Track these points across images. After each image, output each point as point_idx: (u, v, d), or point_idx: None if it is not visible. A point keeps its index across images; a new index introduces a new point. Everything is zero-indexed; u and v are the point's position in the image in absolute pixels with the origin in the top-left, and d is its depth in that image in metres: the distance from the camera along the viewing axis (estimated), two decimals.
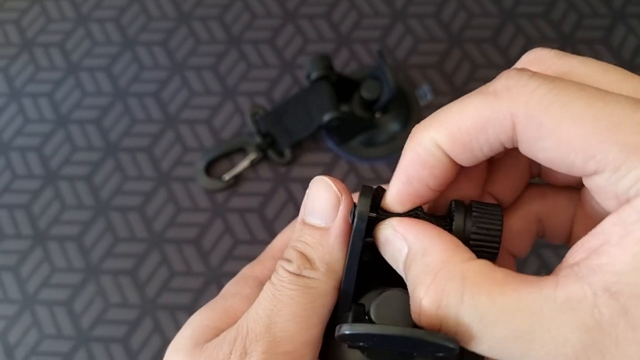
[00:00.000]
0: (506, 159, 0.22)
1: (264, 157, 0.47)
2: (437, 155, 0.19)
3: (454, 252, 0.17)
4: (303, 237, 0.21)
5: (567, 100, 0.16)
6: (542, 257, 0.44)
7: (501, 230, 0.19)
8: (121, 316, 0.44)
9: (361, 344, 0.19)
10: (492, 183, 0.22)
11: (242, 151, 0.48)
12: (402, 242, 0.18)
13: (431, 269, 0.17)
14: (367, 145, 0.47)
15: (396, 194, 0.20)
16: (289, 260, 0.20)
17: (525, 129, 0.17)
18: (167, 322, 0.44)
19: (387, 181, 0.21)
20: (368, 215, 0.20)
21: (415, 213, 0.20)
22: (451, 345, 0.17)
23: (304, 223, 0.21)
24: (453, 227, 0.19)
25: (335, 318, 0.21)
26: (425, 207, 0.21)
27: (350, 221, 0.20)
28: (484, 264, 0.17)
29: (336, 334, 0.18)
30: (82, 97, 0.50)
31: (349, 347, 0.20)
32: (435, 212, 0.22)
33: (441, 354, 0.18)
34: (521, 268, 0.44)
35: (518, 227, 0.22)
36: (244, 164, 0.47)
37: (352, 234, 0.20)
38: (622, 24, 0.50)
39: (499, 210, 0.19)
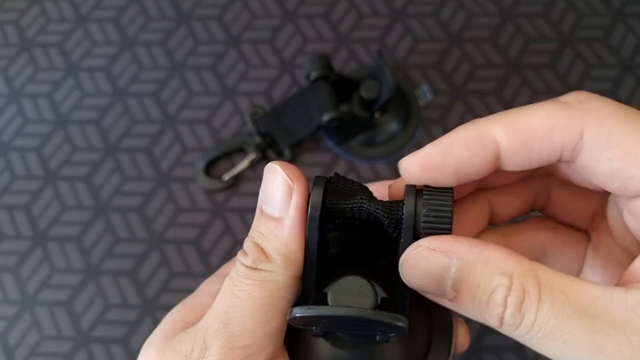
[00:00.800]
0: (516, 185, 0.23)
1: (263, 157, 0.47)
2: (488, 146, 0.19)
3: (516, 255, 0.18)
4: (260, 227, 0.21)
5: (634, 118, 0.18)
6: None
7: (452, 212, 0.19)
8: (121, 317, 0.44)
9: (314, 328, 0.19)
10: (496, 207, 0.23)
11: (241, 151, 0.48)
12: (447, 259, 0.18)
13: (505, 271, 0.17)
14: (367, 145, 0.47)
15: (424, 159, 0.20)
16: (245, 254, 0.20)
17: (594, 138, 0.18)
18: None
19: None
20: (321, 205, 0.20)
21: (360, 200, 0.20)
22: (400, 324, 0.17)
23: (262, 212, 0.21)
24: (404, 210, 0.19)
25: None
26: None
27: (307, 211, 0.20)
28: (547, 266, 0.17)
29: (287, 317, 0.18)
30: (82, 97, 0.50)
31: (313, 335, 0.20)
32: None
33: (391, 334, 0.19)
34: None
35: (521, 250, 0.23)
36: (243, 164, 0.47)
37: (307, 223, 0.20)
38: (622, 23, 0.50)
39: (450, 192, 0.20)
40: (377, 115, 0.46)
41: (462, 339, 0.24)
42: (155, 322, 0.43)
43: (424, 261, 0.18)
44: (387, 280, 0.21)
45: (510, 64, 0.49)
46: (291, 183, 0.20)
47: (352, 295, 0.19)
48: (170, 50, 0.51)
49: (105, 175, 0.48)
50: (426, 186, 0.20)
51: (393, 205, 0.20)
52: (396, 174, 0.48)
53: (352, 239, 0.23)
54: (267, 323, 0.19)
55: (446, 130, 0.47)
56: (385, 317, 0.17)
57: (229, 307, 0.20)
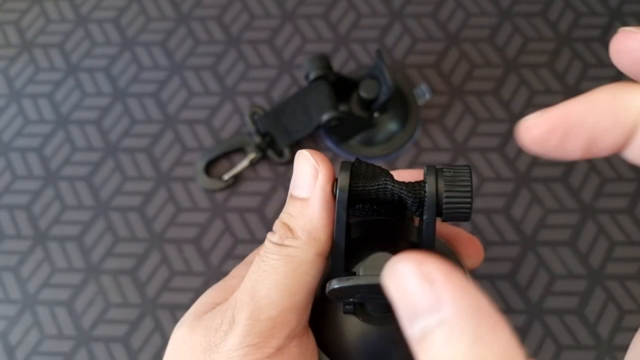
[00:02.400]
0: None
1: (263, 157, 0.47)
2: (633, 117, 0.16)
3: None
4: (288, 209, 0.22)
5: None
6: (540, 255, 0.44)
7: (471, 189, 0.20)
8: (122, 316, 0.44)
9: (351, 299, 0.20)
10: None
11: (241, 151, 0.48)
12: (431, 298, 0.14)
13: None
14: (366, 144, 0.47)
15: (557, 117, 0.16)
16: (273, 233, 0.22)
17: None
18: (168, 321, 0.44)
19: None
20: (348, 188, 0.21)
21: (384, 182, 0.21)
22: None
23: (290, 196, 0.22)
24: (426, 188, 0.20)
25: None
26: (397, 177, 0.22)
27: (334, 195, 0.21)
28: None
29: (327, 290, 0.19)
30: (82, 97, 0.51)
31: (344, 312, 0.21)
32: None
33: None
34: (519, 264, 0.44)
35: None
36: (243, 163, 0.47)
37: (336, 205, 0.21)
38: (619, 22, 0.50)
39: (468, 169, 0.21)
40: (376, 114, 0.46)
41: (477, 256, 0.25)
42: (156, 321, 0.44)
43: (406, 285, 0.15)
44: None
45: (508, 63, 0.50)
46: (317, 165, 0.21)
47: (382, 269, 0.20)
48: (170, 50, 0.52)
49: (106, 175, 0.48)
50: (446, 165, 0.21)
51: (415, 185, 0.21)
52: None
53: (371, 225, 0.24)
54: (290, 297, 0.20)
55: (445, 129, 0.48)
56: None
57: (256, 280, 0.21)
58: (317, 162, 0.21)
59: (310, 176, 0.21)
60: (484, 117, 0.48)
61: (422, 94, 0.47)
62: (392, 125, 0.47)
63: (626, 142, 0.16)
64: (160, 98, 0.50)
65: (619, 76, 0.48)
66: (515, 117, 0.48)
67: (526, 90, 0.49)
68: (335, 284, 0.19)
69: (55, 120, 0.50)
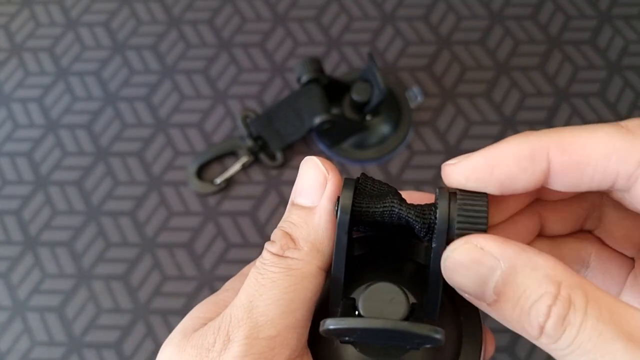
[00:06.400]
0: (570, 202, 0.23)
1: (255, 160, 0.47)
2: (538, 164, 0.19)
3: (566, 266, 0.17)
4: (290, 217, 0.20)
5: None
6: None
7: (487, 216, 0.19)
8: (113, 321, 0.44)
9: (347, 338, 0.19)
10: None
11: (233, 154, 0.48)
12: (494, 260, 0.17)
13: (553, 279, 0.16)
14: (358, 147, 0.47)
15: (470, 168, 0.19)
16: (273, 242, 0.20)
17: None
18: (160, 327, 0.43)
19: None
20: (351, 208, 0.19)
21: (391, 203, 0.20)
22: (437, 337, 0.17)
23: (293, 204, 0.21)
24: (438, 214, 0.19)
25: (326, 313, 0.20)
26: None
27: (335, 214, 0.19)
28: (592, 282, 0.17)
29: (320, 329, 0.18)
30: (72, 101, 0.50)
31: (341, 342, 0.20)
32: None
33: (428, 345, 0.18)
34: None
35: (566, 258, 0.22)
36: (235, 167, 0.47)
37: (336, 227, 0.19)
38: (609, 25, 0.51)
39: (485, 196, 0.19)
40: (368, 117, 0.46)
41: (489, 347, 0.23)
42: (148, 327, 0.43)
43: (470, 259, 0.18)
44: (415, 284, 0.20)
45: (499, 66, 0.50)
46: (326, 173, 0.20)
47: (384, 303, 0.18)
48: (161, 54, 0.51)
49: (97, 180, 0.47)
50: (460, 189, 0.20)
51: (425, 209, 0.20)
52: (387, 176, 0.48)
53: (376, 241, 0.22)
54: (291, 314, 0.19)
55: (437, 132, 0.48)
56: (423, 329, 0.17)
57: (253, 295, 0.19)
58: (327, 170, 0.20)
59: (318, 184, 0.20)
60: (476, 119, 0.48)
61: (414, 96, 0.47)
62: (384, 128, 0.47)
63: (541, 184, 0.19)
64: (152, 102, 0.50)
65: (608, 78, 0.49)
66: (507, 119, 0.48)
67: (517, 92, 0.49)
68: (330, 325, 0.17)
69: (45, 125, 0.49)
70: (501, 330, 0.42)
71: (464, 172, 0.19)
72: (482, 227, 0.19)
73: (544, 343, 0.16)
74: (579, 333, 0.16)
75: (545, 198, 0.23)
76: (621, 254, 0.23)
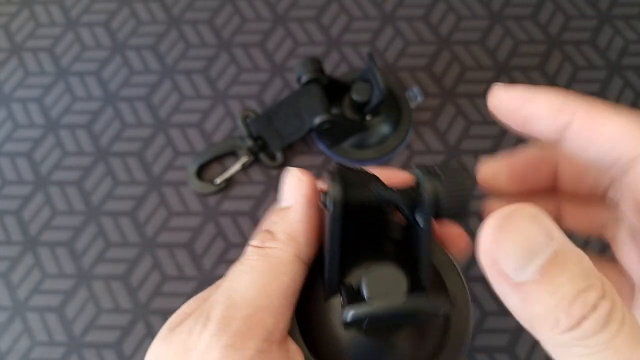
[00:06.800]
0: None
1: (255, 160, 0.47)
2: (564, 114, 0.21)
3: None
4: (271, 218, 0.23)
5: None
6: None
7: (471, 191, 0.20)
8: (113, 321, 0.44)
9: (365, 325, 0.19)
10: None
11: (233, 154, 0.48)
12: (548, 236, 0.16)
13: (596, 274, 0.16)
14: (358, 147, 0.47)
15: (509, 96, 0.23)
16: (255, 239, 0.22)
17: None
18: (160, 327, 0.43)
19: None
20: (341, 199, 0.20)
21: (376, 188, 0.21)
22: (449, 309, 0.18)
23: (274, 209, 0.23)
24: (424, 191, 0.20)
25: (315, 303, 0.21)
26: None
27: (323, 206, 0.21)
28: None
29: (343, 321, 0.18)
30: (72, 101, 0.50)
31: (346, 327, 0.20)
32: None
33: (436, 318, 0.20)
34: None
35: None
36: (235, 167, 0.47)
37: (328, 218, 0.20)
38: (609, 25, 0.51)
39: (460, 169, 0.21)
40: (368, 117, 0.46)
41: (462, 248, 0.25)
42: (148, 327, 0.43)
43: (525, 227, 0.16)
44: (403, 261, 0.21)
45: (499, 66, 0.50)
46: (300, 176, 0.22)
47: (386, 286, 0.19)
48: (161, 54, 0.51)
49: (97, 180, 0.47)
50: (440, 167, 0.21)
51: (409, 190, 0.21)
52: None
53: (353, 225, 0.23)
54: (267, 296, 0.20)
55: (437, 132, 0.48)
56: (438, 305, 0.18)
57: (232, 280, 0.21)
58: (300, 174, 0.22)
59: (292, 187, 0.22)
60: (476, 119, 0.48)
61: (414, 96, 0.47)
62: (384, 128, 0.47)
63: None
64: (152, 102, 0.50)
65: (608, 78, 0.49)
66: None
67: None
68: (351, 315, 0.18)
69: (45, 125, 0.49)
70: (501, 330, 0.42)
71: (504, 97, 0.23)
72: (465, 194, 0.20)
73: (573, 337, 0.15)
74: (618, 333, 0.15)
75: (561, 188, 0.25)
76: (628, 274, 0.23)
